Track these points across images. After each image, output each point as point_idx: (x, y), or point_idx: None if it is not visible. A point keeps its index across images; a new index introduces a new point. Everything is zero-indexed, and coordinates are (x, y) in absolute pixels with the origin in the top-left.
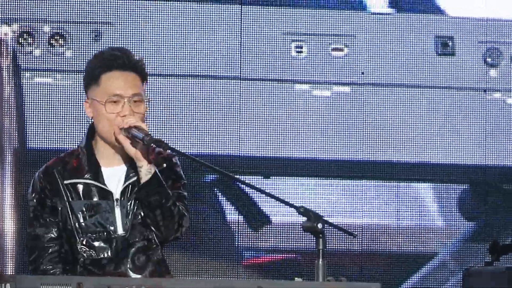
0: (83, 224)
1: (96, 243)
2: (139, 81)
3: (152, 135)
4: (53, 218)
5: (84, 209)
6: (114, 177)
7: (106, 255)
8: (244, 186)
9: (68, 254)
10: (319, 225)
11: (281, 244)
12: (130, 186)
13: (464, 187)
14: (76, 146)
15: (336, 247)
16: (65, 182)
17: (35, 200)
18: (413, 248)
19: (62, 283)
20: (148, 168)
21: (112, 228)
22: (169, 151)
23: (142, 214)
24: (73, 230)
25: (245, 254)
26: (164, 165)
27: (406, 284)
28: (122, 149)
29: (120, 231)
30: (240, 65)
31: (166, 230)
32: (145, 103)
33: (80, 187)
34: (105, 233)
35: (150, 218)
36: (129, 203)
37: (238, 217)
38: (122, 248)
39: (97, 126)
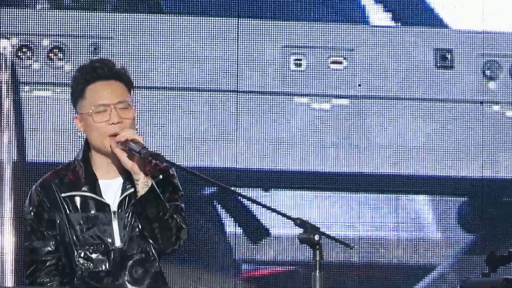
0: (80, 236)
1: (94, 256)
2: (124, 88)
3: (148, 148)
4: (50, 231)
5: (81, 222)
6: (111, 189)
7: (104, 267)
8: (242, 198)
9: (65, 267)
10: (316, 237)
11: (280, 256)
12: (127, 198)
13: (463, 199)
14: (73, 159)
15: (334, 259)
16: (63, 195)
17: (32, 214)
18: (411, 260)
19: None
20: (145, 181)
21: (109, 240)
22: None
23: (140, 226)
24: (71, 243)
25: (243, 267)
26: (161, 176)
27: None
28: (118, 159)
29: (118, 243)
30: (237, 78)
31: (163, 243)
32: (133, 109)
33: (78, 199)
34: (103, 246)
35: (147, 230)
36: (126, 215)
37: (236, 230)
38: (120, 260)
39: (89, 138)
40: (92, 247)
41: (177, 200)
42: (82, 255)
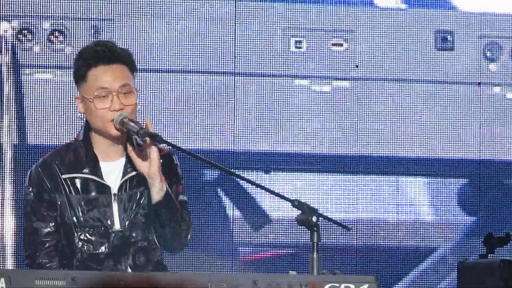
0: (81, 218)
1: (93, 238)
2: (127, 72)
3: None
4: (50, 212)
5: (82, 203)
6: (112, 171)
7: (103, 250)
8: (240, 180)
9: (65, 248)
10: (314, 218)
11: (278, 239)
12: (128, 180)
13: (463, 181)
14: (73, 139)
15: (332, 242)
16: (63, 176)
17: (32, 194)
18: (410, 243)
19: (56, 277)
20: (160, 186)
21: (109, 222)
22: (167, 146)
23: (143, 212)
24: (71, 224)
25: (241, 250)
26: (161, 160)
27: (406, 278)
28: (118, 141)
29: (117, 226)
30: (235, 60)
31: (174, 244)
32: (136, 94)
33: (78, 181)
34: (103, 228)
35: (160, 234)
36: (127, 198)
37: (234, 213)
38: (120, 244)
39: (90, 122)
40: (92, 229)
41: (182, 193)
42: (81, 237)
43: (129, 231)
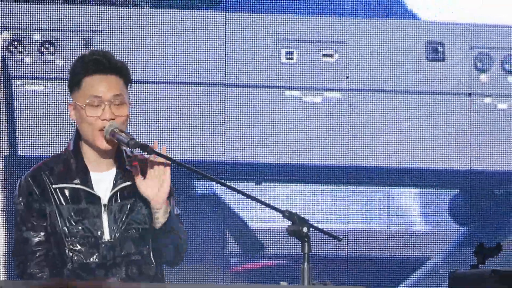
0: (71, 228)
1: (84, 248)
2: (122, 84)
3: (136, 139)
4: (41, 222)
5: (72, 214)
6: (103, 182)
7: (94, 259)
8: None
9: (56, 257)
10: (304, 229)
11: (269, 250)
12: (119, 191)
13: (455, 192)
14: (63, 149)
15: (323, 253)
16: (53, 186)
17: (22, 204)
18: (402, 254)
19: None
20: (165, 210)
21: (99, 233)
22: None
23: (136, 225)
24: (61, 234)
25: (232, 261)
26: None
27: None
28: (107, 153)
29: (107, 236)
30: (225, 71)
31: (175, 260)
32: (129, 107)
33: (68, 191)
34: (92, 238)
35: (161, 252)
36: (117, 209)
37: (224, 223)
38: (110, 254)
39: (80, 129)
40: (82, 240)
41: (176, 207)
42: (72, 246)
43: (120, 242)
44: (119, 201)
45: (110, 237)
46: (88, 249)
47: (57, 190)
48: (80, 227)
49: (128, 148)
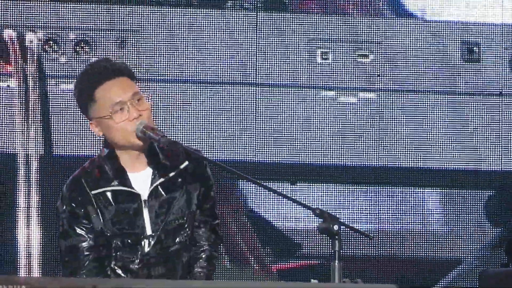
0: (114, 229)
1: (127, 247)
2: (131, 82)
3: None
4: (87, 227)
5: (114, 214)
6: (141, 180)
7: (137, 257)
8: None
9: (104, 260)
10: (335, 227)
11: (301, 249)
12: (157, 187)
13: (490, 192)
14: (95, 155)
15: (353, 252)
16: (93, 192)
17: (67, 212)
18: (433, 253)
19: (76, 285)
20: None
21: (141, 230)
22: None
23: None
24: (106, 236)
25: (267, 260)
26: (186, 163)
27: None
28: (141, 153)
29: (148, 231)
30: (262, 71)
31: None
32: (146, 99)
33: (109, 194)
34: (134, 236)
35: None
36: (157, 205)
37: (258, 222)
38: (153, 249)
39: (112, 140)
40: (125, 238)
41: (213, 209)
42: (115, 246)
43: (162, 237)
44: (158, 196)
45: (152, 232)
46: (131, 246)
47: (98, 194)
48: (123, 226)
49: (159, 145)
